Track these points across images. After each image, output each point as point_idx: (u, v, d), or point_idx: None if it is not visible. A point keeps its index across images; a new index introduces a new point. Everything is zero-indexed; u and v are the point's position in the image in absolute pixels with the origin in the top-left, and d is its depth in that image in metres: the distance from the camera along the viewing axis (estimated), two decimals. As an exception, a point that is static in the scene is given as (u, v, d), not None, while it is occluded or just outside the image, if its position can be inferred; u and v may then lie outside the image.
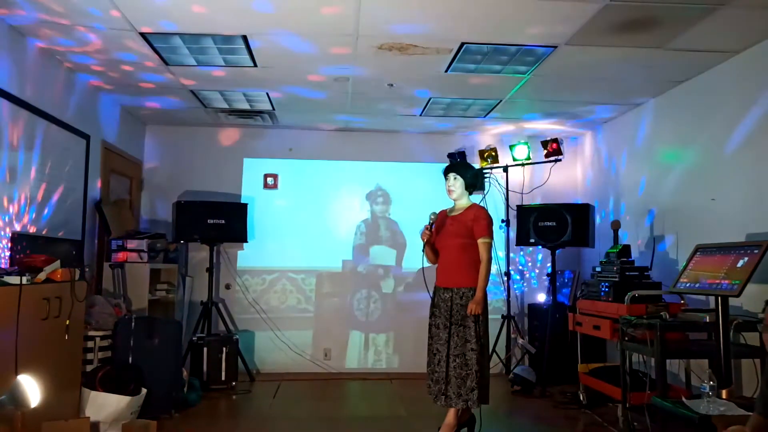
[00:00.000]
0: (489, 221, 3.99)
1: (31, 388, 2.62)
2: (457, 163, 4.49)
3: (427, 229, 4.00)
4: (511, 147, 6.05)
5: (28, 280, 3.31)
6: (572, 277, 6.22)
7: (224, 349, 5.38)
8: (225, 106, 5.58)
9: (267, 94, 5.18)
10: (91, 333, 4.22)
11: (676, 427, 2.79)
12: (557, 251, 5.71)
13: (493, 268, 4.24)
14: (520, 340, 5.85)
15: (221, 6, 3.44)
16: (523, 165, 6.13)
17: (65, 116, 4.52)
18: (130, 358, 4.29)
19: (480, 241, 3.93)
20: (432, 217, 4.05)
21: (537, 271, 6.57)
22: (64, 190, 4.55)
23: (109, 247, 5.15)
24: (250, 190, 6.43)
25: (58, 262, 3.62)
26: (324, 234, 6.44)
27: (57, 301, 3.56)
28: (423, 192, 6.28)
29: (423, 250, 4.08)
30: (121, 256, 5.08)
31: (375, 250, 6.51)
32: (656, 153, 5.09)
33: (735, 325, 3.42)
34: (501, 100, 5.28)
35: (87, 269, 4.15)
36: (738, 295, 3.14)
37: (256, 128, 6.43)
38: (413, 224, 6.30)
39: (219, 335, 5.64)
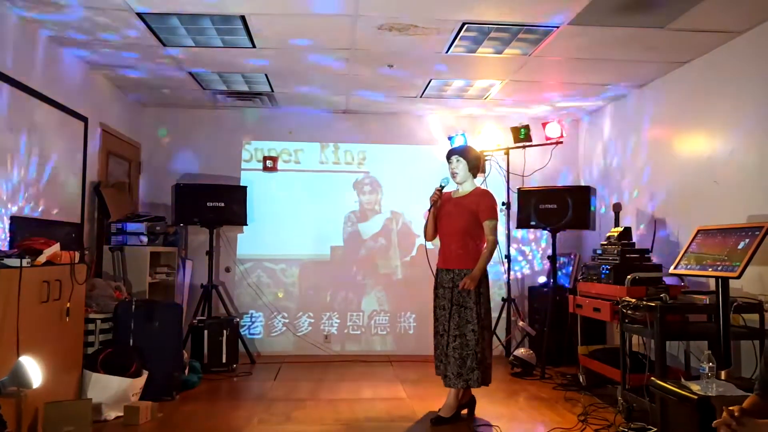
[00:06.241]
0: (494, 203, 4.04)
1: (33, 370, 2.63)
2: (459, 147, 4.47)
3: (437, 191, 4.02)
4: (520, 130, 5.98)
5: (28, 263, 3.31)
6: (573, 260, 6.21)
7: (225, 331, 5.41)
8: (224, 87, 5.54)
9: (266, 75, 5.14)
10: (92, 316, 4.24)
11: (675, 408, 2.80)
12: (558, 234, 5.70)
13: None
14: (521, 323, 5.87)
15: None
16: (524, 147, 6.08)
17: (62, 98, 4.47)
18: (131, 341, 4.31)
19: (485, 222, 3.96)
20: (443, 182, 4.06)
21: (540, 252, 6.58)
22: (62, 173, 4.52)
23: (109, 230, 5.14)
24: (249, 172, 6.40)
25: (57, 245, 3.61)
26: (322, 217, 6.42)
27: (57, 283, 3.57)
28: (420, 174, 6.26)
29: (429, 210, 4.07)
30: (120, 239, 5.08)
31: (372, 232, 6.52)
32: (658, 135, 5.06)
33: (735, 306, 3.42)
34: (502, 82, 5.24)
35: (86, 252, 4.14)
36: (738, 277, 3.14)
37: (255, 110, 6.39)
38: (411, 207, 6.32)
39: (219, 318, 5.66)
